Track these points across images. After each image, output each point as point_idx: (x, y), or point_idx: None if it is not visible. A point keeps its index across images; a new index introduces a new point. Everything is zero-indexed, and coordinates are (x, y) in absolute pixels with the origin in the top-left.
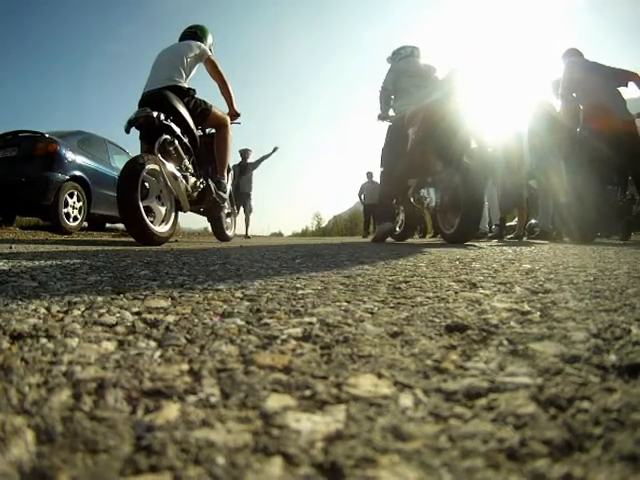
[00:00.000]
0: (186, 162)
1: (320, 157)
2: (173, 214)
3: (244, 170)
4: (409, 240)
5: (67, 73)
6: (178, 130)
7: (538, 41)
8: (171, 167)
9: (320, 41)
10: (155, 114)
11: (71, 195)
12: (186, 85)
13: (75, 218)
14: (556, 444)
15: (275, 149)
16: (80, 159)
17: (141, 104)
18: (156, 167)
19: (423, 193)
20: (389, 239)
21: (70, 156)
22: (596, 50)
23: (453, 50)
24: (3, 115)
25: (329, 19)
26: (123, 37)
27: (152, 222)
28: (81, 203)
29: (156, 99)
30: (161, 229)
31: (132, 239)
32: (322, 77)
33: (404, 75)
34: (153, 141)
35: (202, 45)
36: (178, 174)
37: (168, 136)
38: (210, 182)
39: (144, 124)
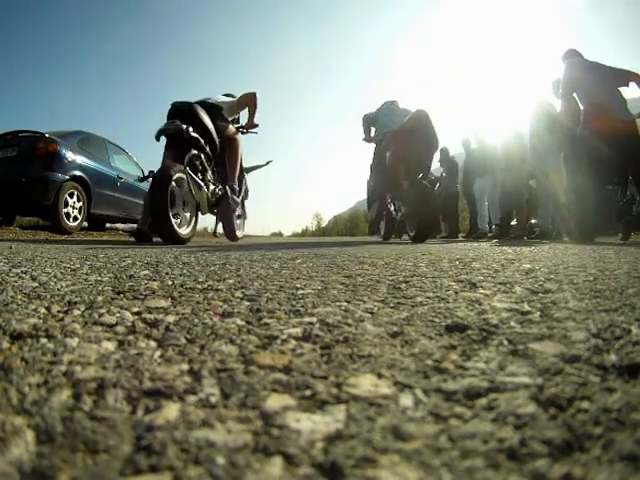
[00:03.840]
0: (209, 173)
1: (320, 157)
2: (194, 217)
3: None
4: (390, 240)
5: (67, 73)
6: (203, 141)
7: (538, 41)
8: (196, 178)
9: (320, 42)
10: (184, 127)
11: (71, 195)
12: (214, 101)
13: (75, 218)
14: (556, 444)
15: (269, 162)
16: (80, 159)
17: (170, 114)
18: (183, 177)
19: (395, 204)
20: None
21: (70, 156)
22: (595, 50)
23: (453, 50)
24: (3, 115)
25: (330, 19)
26: (123, 37)
27: (178, 225)
28: (81, 203)
29: (184, 111)
30: (184, 231)
31: (131, 239)
32: (324, 76)
33: (385, 114)
34: (180, 151)
35: (225, 99)
36: (202, 184)
37: (195, 151)
38: (227, 188)
39: (173, 135)
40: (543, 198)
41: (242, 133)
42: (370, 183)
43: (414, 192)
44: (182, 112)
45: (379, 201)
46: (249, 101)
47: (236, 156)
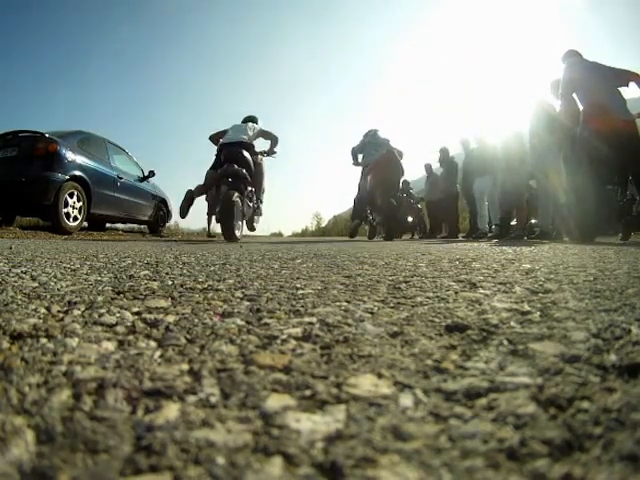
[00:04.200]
0: (253, 199)
1: (320, 157)
2: (242, 225)
3: None
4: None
5: (67, 73)
6: (247, 174)
7: (538, 41)
8: (246, 201)
9: (320, 42)
10: (239, 169)
11: (71, 195)
12: (249, 141)
13: (75, 218)
14: (556, 444)
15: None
16: (80, 159)
17: (224, 154)
18: (238, 200)
19: (373, 215)
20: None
21: (70, 156)
22: (595, 50)
23: (453, 50)
24: (3, 115)
25: (330, 19)
26: (123, 37)
27: (236, 229)
28: (81, 203)
29: (234, 153)
30: (238, 234)
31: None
32: (324, 76)
33: (370, 143)
34: (235, 183)
35: (256, 126)
36: (250, 204)
37: (250, 188)
38: (259, 203)
39: (233, 175)
40: (543, 198)
41: (263, 155)
42: (356, 199)
43: (384, 207)
44: (234, 154)
45: (360, 217)
46: (272, 139)
47: (262, 176)
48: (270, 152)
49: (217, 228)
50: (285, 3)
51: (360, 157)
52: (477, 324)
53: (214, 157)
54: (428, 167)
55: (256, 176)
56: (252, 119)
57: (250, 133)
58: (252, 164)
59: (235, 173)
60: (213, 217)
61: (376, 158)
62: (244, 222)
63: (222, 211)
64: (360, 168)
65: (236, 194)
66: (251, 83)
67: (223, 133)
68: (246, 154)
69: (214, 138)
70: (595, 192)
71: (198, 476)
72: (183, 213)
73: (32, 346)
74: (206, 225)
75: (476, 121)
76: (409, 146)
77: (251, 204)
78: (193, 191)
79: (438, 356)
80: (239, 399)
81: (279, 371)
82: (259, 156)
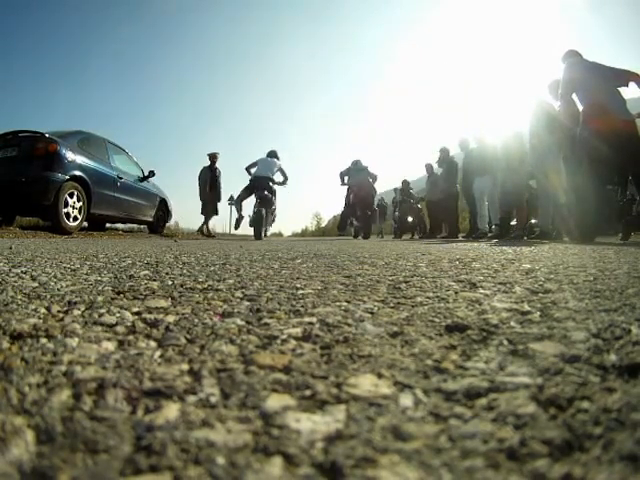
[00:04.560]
0: (275, 211)
1: (320, 156)
2: (268, 228)
3: (215, 173)
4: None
5: (67, 73)
6: (272, 197)
7: (538, 41)
8: (269, 214)
9: (320, 42)
10: (269, 197)
11: (71, 195)
12: (272, 176)
13: (75, 218)
14: (556, 444)
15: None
16: (80, 159)
17: (255, 182)
18: (263, 212)
19: (354, 222)
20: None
21: (70, 156)
22: (595, 50)
23: (453, 50)
24: (3, 115)
25: (330, 19)
26: (123, 37)
27: (264, 232)
28: (81, 203)
29: (264, 182)
30: (264, 235)
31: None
32: (324, 76)
33: (353, 170)
34: (264, 203)
35: (277, 161)
36: (272, 216)
37: (274, 206)
38: (274, 216)
39: (263, 198)
40: (543, 198)
41: (277, 185)
42: (343, 211)
43: (360, 217)
44: (264, 183)
45: (346, 222)
46: (285, 177)
47: (275, 198)
48: (282, 184)
49: (216, 229)
50: (285, 3)
51: (346, 179)
52: (477, 324)
53: (248, 182)
54: (428, 167)
55: (273, 198)
56: (274, 154)
57: (274, 170)
58: (273, 191)
59: (264, 197)
60: (209, 217)
61: (357, 180)
62: (266, 228)
63: (255, 220)
64: (345, 188)
65: (264, 210)
66: (251, 83)
67: (254, 165)
68: (270, 184)
69: (247, 168)
70: (595, 192)
71: (198, 476)
72: (239, 217)
73: (32, 346)
74: (205, 225)
75: (476, 121)
76: (409, 146)
77: (271, 217)
78: (239, 198)
79: (438, 356)
80: (239, 399)
81: (279, 371)
82: (275, 185)
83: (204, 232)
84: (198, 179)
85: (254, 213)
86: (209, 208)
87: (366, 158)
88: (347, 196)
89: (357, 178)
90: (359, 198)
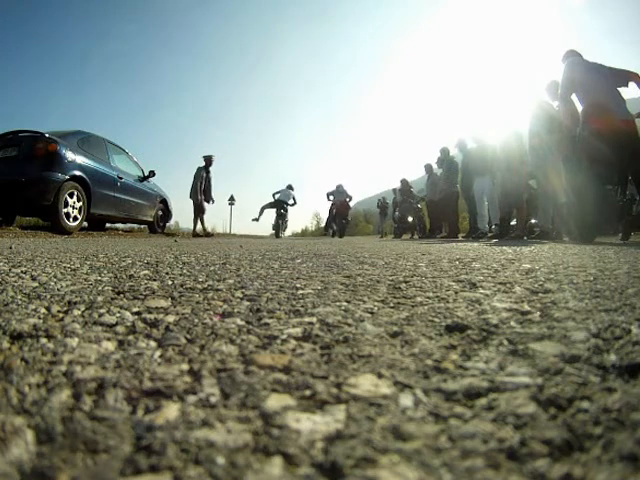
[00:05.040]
0: (287, 222)
1: (319, 157)
2: (284, 231)
3: (208, 175)
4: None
5: (67, 73)
6: (286, 212)
7: (538, 41)
8: (285, 222)
9: (320, 42)
10: (285, 213)
11: (71, 195)
12: (288, 201)
13: (75, 218)
14: (556, 444)
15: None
16: (80, 159)
17: (277, 204)
18: (280, 221)
19: (332, 225)
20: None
21: (70, 156)
22: (595, 50)
23: (453, 49)
24: (3, 115)
25: (330, 19)
26: (123, 37)
27: (281, 234)
28: (81, 203)
29: (283, 204)
30: (281, 237)
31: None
32: (323, 75)
33: (337, 191)
34: (282, 216)
35: (292, 192)
36: (285, 224)
37: (287, 218)
38: (287, 224)
39: (282, 212)
40: (543, 198)
41: (290, 206)
42: (327, 218)
43: (338, 223)
44: (282, 204)
45: (328, 226)
46: (295, 202)
47: (288, 212)
48: (292, 205)
49: (217, 229)
50: (285, 3)
51: (331, 197)
52: (477, 324)
53: (274, 201)
54: (428, 167)
55: (286, 214)
56: (291, 187)
57: (289, 197)
58: (287, 210)
59: (281, 214)
60: (202, 217)
61: (338, 199)
62: (283, 232)
63: (276, 226)
64: (330, 203)
65: (281, 221)
66: (251, 83)
67: (278, 192)
68: (286, 206)
69: (273, 194)
70: (595, 192)
71: (198, 476)
72: (259, 216)
73: (32, 346)
74: (201, 225)
75: (476, 121)
76: (409, 146)
77: (284, 224)
78: (263, 207)
79: (438, 356)
80: (239, 399)
81: (279, 371)
82: (288, 207)
83: (201, 233)
84: (194, 178)
85: (275, 222)
86: (201, 209)
87: (363, 161)
88: (330, 209)
89: (338, 197)
90: (338, 212)
